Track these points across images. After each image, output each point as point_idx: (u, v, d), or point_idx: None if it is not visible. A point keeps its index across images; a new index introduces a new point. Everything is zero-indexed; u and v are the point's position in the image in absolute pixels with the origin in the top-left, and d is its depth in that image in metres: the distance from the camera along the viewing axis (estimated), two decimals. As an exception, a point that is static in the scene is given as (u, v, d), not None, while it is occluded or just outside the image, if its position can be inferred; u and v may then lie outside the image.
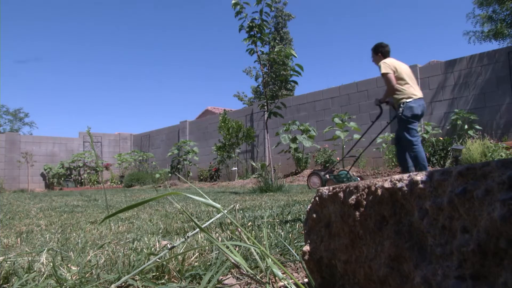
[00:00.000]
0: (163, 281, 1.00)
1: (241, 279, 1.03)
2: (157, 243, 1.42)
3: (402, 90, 4.92)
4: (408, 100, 4.87)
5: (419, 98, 4.97)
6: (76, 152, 16.66)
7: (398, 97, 4.95)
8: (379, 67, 5.05)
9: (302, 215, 2.23)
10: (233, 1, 5.85)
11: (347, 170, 6.34)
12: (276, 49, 6.12)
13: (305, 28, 49.21)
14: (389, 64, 4.96)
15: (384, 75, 4.95)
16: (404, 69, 5.06)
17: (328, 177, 6.17)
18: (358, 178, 6.35)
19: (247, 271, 0.89)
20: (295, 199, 3.63)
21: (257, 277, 0.94)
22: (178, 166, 14.24)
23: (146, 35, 66.99)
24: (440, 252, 0.53)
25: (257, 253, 0.98)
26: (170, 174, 14.30)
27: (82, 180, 16.28)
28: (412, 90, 4.95)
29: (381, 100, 5.22)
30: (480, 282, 0.48)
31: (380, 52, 5.23)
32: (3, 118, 37.75)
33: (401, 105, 4.89)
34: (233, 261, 0.89)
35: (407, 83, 4.94)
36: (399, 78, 4.95)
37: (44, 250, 1.42)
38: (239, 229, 0.98)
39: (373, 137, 9.81)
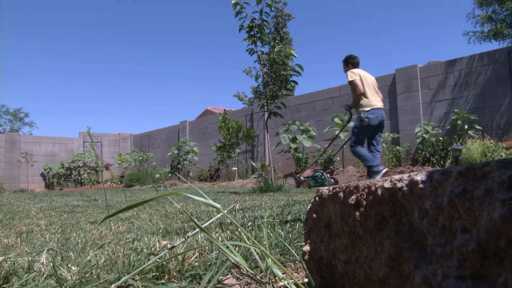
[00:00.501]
0: (163, 281, 1.00)
1: (241, 279, 1.03)
2: (157, 243, 1.42)
3: (364, 100, 5.34)
4: (366, 109, 5.29)
5: (378, 108, 5.36)
6: (76, 152, 16.66)
7: (360, 103, 5.37)
8: (347, 75, 5.46)
9: (302, 215, 2.23)
10: (233, 1, 5.85)
11: (322, 171, 6.58)
12: (276, 49, 6.12)
13: (305, 28, 49.26)
14: (355, 73, 5.38)
15: (351, 82, 5.34)
16: (369, 80, 5.46)
17: (302, 178, 6.38)
18: (332, 180, 6.59)
19: (247, 271, 0.89)
20: (295, 199, 3.63)
21: (257, 277, 0.94)
22: (178, 166, 14.24)
23: (146, 35, 67.07)
24: (440, 252, 0.53)
25: (257, 253, 0.98)
26: (170, 174, 14.30)
27: (82, 180, 16.28)
28: (373, 101, 5.36)
29: (350, 105, 5.56)
30: (480, 282, 0.48)
31: (350, 63, 5.66)
32: (3, 118, 37.79)
33: (361, 114, 5.32)
34: (233, 261, 0.89)
35: (370, 94, 5.36)
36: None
37: (44, 250, 1.42)
38: (239, 229, 0.98)
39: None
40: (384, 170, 5.14)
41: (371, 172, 5.23)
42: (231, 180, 11.41)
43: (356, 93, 5.30)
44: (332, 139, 6.81)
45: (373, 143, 5.46)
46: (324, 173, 6.60)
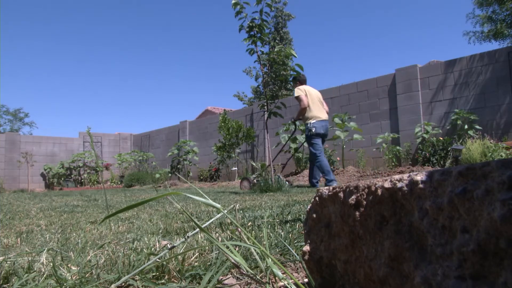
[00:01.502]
0: (163, 281, 1.00)
1: (241, 279, 1.03)
2: (157, 243, 1.42)
3: (310, 112, 6.08)
4: (312, 121, 6.05)
5: (322, 119, 6.13)
6: (76, 152, 16.65)
7: (306, 116, 6.13)
8: (294, 92, 6.20)
9: (302, 215, 2.23)
10: (233, 1, 5.84)
11: (278, 174, 6.83)
12: (276, 49, 6.12)
13: (305, 28, 49.25)
14: (301, 90, 6.14)
15: (297, 98, 6.11)
16: (314, 95, 6.22)
17: (255, 181, 6.59)
18: (287, 182, 6.73)
19: (247, 271, 0.89)
20: (295, 199, 3.63)
21: (257, 277, 0.94)
22: (178, 166, 14.24)
23: (146, 35, 67.09)
24: (440, 252, 0.53)
25: (257, 253, 0.98)
26: (170, 174, 14.29)
27: (82, 180, 16.27)
28: (318, 113, 6.11)
29: (295, 118, 6.33)
30: (480, 282, 0.48)
31: (298, 80, 6.38)
32: (3, 118, 37.81)
33: (308, 125, 6.05)
34: (233, 261, 0.89)
35: (314, 107, 6.11)
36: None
37: (44, 250, 1.42)
38: (239, 229, 0.98)
39: (373, 137, 9.79)
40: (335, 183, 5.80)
41: (327, 181, 6.01)
42: (231, 180, 11.41)
43: (301, 107, 6.06)
44: (281, 148, 7.63)
45: None
46: (280, 176, 6.88)
